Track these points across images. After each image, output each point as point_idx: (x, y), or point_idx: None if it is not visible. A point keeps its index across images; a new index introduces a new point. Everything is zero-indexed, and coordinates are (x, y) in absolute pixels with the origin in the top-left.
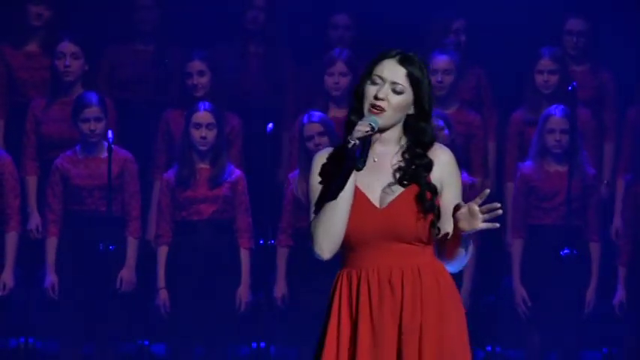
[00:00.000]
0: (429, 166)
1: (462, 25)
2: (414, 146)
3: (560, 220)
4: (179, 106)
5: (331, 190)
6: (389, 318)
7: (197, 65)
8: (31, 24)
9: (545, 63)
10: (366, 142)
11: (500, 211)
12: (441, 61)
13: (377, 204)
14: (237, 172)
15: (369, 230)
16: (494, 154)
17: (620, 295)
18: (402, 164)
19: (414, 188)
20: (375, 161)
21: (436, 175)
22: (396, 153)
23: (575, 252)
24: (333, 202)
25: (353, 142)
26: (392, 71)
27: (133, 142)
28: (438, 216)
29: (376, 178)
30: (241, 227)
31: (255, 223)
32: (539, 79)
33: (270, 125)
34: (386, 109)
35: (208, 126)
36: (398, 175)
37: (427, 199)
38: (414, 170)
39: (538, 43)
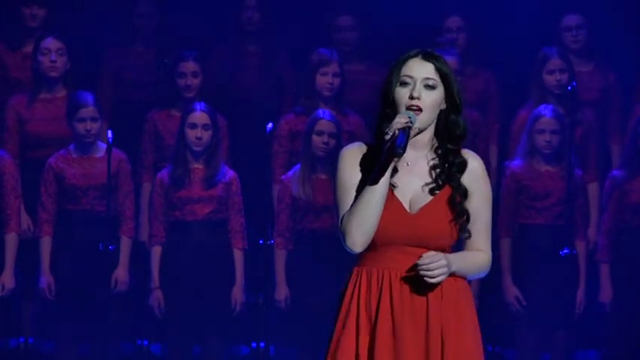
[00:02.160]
0: (462, 165)
1: (459, 25)
2: (446, 142)
3: (552, 219)
4: (166, 105)
5: (369, 180)
6: (409, 320)
7: (191, 66)
8: (27, 25)
9: (555, 62)
10: (407, 131)
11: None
12: (450, 61)
13: (407, 208)
14: (230, 173)
15: (396, 233)
16: (496, 157)
17: (607, 292)
18: (436, 162)
19: (445, 194)
20: (407, 165)
21: (464, 182)
22: (429, 154)
23: (574, 252)
24: (368, 195)
25: (392, 132)
26: (420, 68)
27: (126, 143)
28: (468, 219)
29: (408, 182)
30: (234, 228)
31: (255, 223)
32: (551, 79)
33: (270, 125)
34: (423, 108)
35: (204, 127)
36: (434, 174)
37: (457, 203)
38: (448, 169)
39: (534, 43)
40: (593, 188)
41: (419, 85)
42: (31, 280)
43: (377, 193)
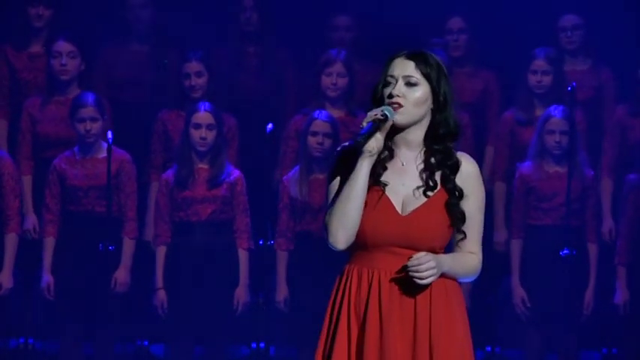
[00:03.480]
0: (455, 167)
1: (460, 25)
2: (433, 141)
3: (559, 220)
4: (175, 106)
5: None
6: (397, 320)
7: (195, 66)
8: (33, 25)
9: (539, 63)
10: (376, 123)
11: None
12: None
13: (399, 210)
14: (235, 173)
15: (387, 235)
16: (492, 158)
17: (623, 295)
18: (426, 163)
19: (439, 196)
20: (403, 165)
21: (458, 184)
22: (419, 155)
23: (574, 252)
24: (347, 190)
25: (361, 125)
26: (401, 67)
27: (130, 143)
28: (463, 220)
29: (402, 183)
30: (240, 228)
31: (255, 223)
32: (533, 79)
33: (270, 125)
34: (403, 104)
35: (208, 126)
36: (424, 176)
37: (453, 205)
38: (441, 170)
39: (533, 44)
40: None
41: (399, 83)
42: (31, 280)
43: (354, 187)
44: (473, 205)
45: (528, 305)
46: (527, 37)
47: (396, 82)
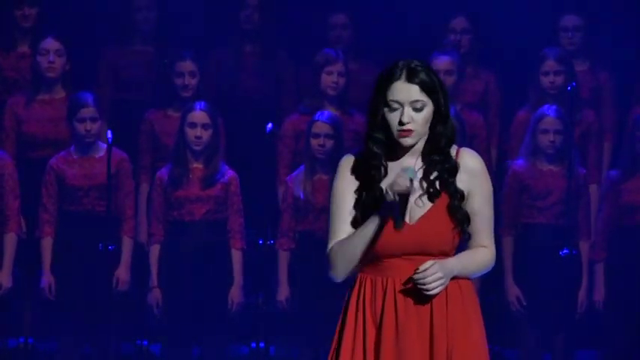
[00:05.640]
0: (453, 170)
1: (462, 25)
2: (433, 152)
3: (554, 219)
4: (163, 105)
5: (363, 224)
6: (414, 327)
7: (188, 65)
8: (20, 26)
9: (550, 64)
10: (404, 198)
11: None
12: (443, 61)
13: (407, 218)
14: (230, 173)
15: (397, 245)
16: (496, 159)
17: (600, 292)
18: (426, 170)
19: (444, 201)
20: None
21: (464, 183)
22: (418, 162)
23: (574, 252)
24: (358, 240)
25: (392, 198)
26: (405, 92)
27: (124, 143)
28: (468, 220)
29: None
30: (233, 228)
31: (254, 223)
32: (545, 80)
33: (270, 125)
34: (414, 129)
35: (204, 126)
36: (425, 185)
37: (458, 208)
38: (439, 177)
39: (536, 44)
40: (592, 189)
41: (407, 110)
42: (30, 280)
43: (366, 238)
44: (479, 200)
45: (524, 304)
46: (532, 37)
47: (403, 107)
